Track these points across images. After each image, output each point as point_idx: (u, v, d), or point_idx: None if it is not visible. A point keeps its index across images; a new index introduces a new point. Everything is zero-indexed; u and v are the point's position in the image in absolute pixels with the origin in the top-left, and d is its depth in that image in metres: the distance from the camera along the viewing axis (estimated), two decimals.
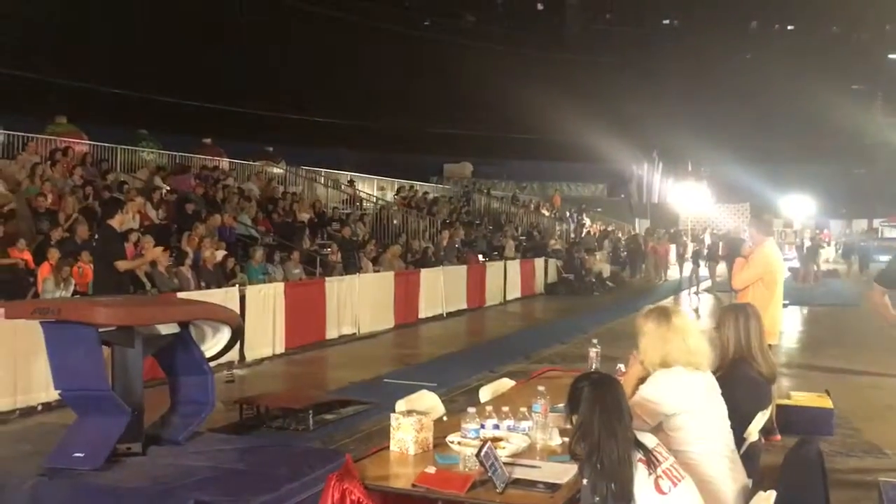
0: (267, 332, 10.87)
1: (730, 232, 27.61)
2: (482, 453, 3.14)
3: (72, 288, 9.77)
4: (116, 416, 5.57)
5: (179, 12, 24.15)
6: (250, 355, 10.44)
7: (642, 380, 3.63)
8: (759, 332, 4.19)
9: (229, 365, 9.76)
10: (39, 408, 7.77)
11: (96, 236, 9.98)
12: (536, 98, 29.21)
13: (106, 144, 17.83)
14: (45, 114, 19.09)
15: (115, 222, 8.12)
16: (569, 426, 3.74)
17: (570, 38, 35.84)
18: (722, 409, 3.54)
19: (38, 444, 6.07)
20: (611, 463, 2.79)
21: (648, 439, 2.98)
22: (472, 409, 3.77)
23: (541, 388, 3.96)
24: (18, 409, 7.63)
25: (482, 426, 3.75)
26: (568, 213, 31.48)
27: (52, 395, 7.30)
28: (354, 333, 12.76)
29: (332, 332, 12.27)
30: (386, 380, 9.46)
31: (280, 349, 11.05)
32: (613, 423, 2.84)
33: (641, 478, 2.85)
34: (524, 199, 32.07)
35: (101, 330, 5.57)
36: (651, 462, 2.88)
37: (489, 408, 4.05)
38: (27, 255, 10.33)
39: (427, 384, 6.39)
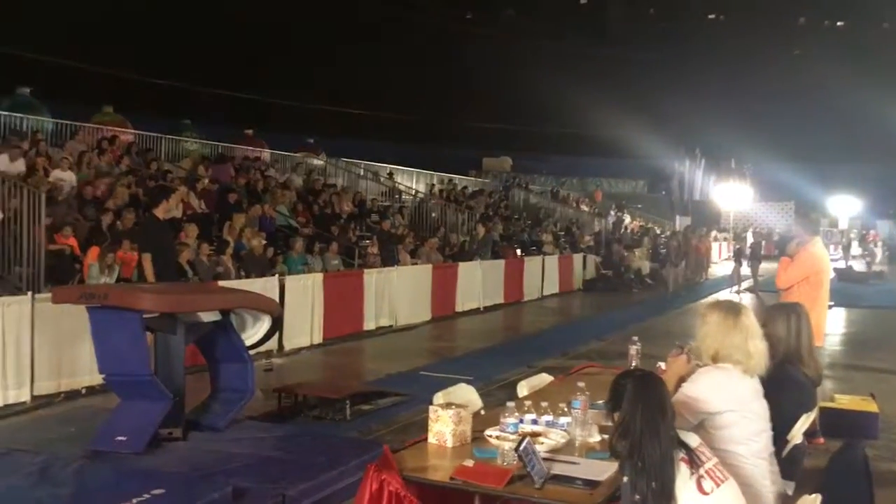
0: (305, 322, 10.96)
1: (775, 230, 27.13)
2: (521, 448, 3.12)
3: (116, 274, 9.93)
4: (158, 401, 5.66)
5: (223, 6, 24.43)
6: (289, 345, 10.54)
7: (683, 378, 3.57)
8: (808, 333, 4.11)
9: (268, 354, 9.86)
10: (83, 391, 7.91)
11: (139, 224, 10.18)
12: (577, 93, 29.03)
13: (150, 134, 18.12)
14: (92, 103, 19.45)
15: (160, 211, 8.25)
16: (609, 423, 3.72)
17: (613, 33, 35.52)
18: (765, 410, 3.47)
19: (83, 426, 6.21)
20: (652, 461, 2.75)
21: (691, 438, 2.94)
22: (511, 404, 3.76)
23: (580, 384, 3.93)
24: (63, 392, 7.79)
25: (520, 421, 3.73)
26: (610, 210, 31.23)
27: (96, 378, 7.43)
28: (391, 325, 12.80)
29: (369, 324, 12.33)
30: (422, 372, 9.47)
31: (318, 339, 11.13)
32: (656, 421, 2.80)
33: (683, 477, 2.81)
34: (563, 195, 31.88)
35: (145, 316, 5.67)
36: (693, 462, 2.84)
37: (528, 403, 4.03)
38: (73, 241, 10.52)
39: (463, 377, 6.37)
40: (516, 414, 3.70)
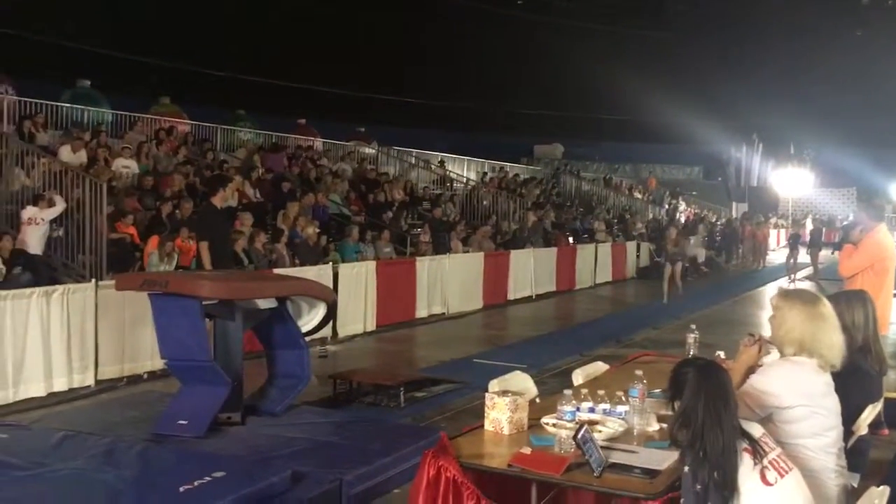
0: (359, 310, 11.05)
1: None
2: (579, 436, 3.10)
3: (175, 262, 10.14)
4: (218, 386, 5.78)
5: None
6: (343, 332, 10.64)
7: (752, 368, 3.49)
8: (875, 322, 3.98)
9: (322, 340, 9.97)
10: (145, 376, 8.12)
11: (197, 213, 10.37)
12: (631, 78, 28.56)
13: (206, 124, 18.43)
14: (150, 94, 19.85)
15: (217, 200, 8.38)
16: (667, 412, 3.67)
17: (667, 15, 34.83)
18: (836, 406, 3.36)
19: (145, 410, 6.37)
20: (714, 451, 2.71)
21: (755, 429, 2.88)
22: (568, 392, 3.73)
23: (638, 372, 3.88)
24: (126, 377, 8.01)
25: (577, 409, 3.70)
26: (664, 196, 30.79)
27: (158, 363, 7.64)
28: (443, 313, 12.84)
29: (421, 312, 12.38)
30: (475, 360, 9.49)
31: (371, 326, 11.23)
32: (719, 411, 2.75)
33: (746, 468, 2.76)
34: (616, 182, 31.50)
35: (204, 303, 5.77)
36: (757, 452, 2.78)
37: (584, 391, 4.00)
38: (133, 230, 10.78)
39: (516, 365, 6.35)
40: (573, 402, 3.68)
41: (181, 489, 4.28)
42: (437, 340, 11.03)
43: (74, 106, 16.17)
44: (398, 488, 5.12)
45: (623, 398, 3.84)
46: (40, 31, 20.06)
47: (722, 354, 4.55)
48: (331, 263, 11.16)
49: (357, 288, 11.04)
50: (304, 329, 6.85)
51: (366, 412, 7.02)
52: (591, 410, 3.80)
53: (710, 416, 2.75)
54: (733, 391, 2.92)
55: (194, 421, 5.66)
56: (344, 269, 11.06)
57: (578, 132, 35.62)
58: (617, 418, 3.71)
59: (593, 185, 28.85)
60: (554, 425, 3.55)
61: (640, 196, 30.05)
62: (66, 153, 12.21)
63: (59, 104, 15.74)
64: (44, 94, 15.51)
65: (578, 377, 4.80)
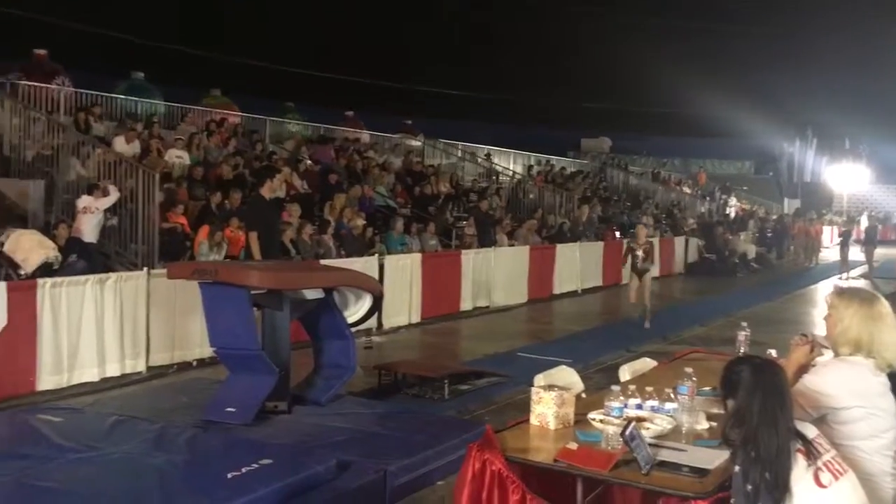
0: (404, 302, 11.10)
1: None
2: (627, 432, 3.06)
3: (224, 252, 10.29)
4: (265, 375, 5.85)
5: None
6: (388, 323, 10.70)
7: (804, 368, 3.40)
8: None
9: (368, 332, 10.03)
10: (194, 363, 8.27)
11: (246, 203, 10.50)
12: (679, 70, 28.10)
13: (256, 116, 18.64)
14: (201, 86, 20.15)
15: (265, 190, 8.48)
16: (717, 410, 3.61)
17: (718, 6, 34.14)
18: (893, 406, 3.26)
19: (194, 396, 6.49)
20: (767, 451, 2.64)
21: (809, 429, 2.81)
22: (615, 388, 3.69)
23: (688, 369, 3.82)
24: (176, 364, 8.15)
25: (624, 405, 3.66)
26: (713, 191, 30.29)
27: (206, 351, 7.77)
28: (488, 306, 12.81)
29: (466, 304, 12.38)
30: (519, 353, 9.46)
31: (416, 319, 11.27)
32: (774, 411, 2.68)
33: (800, 469, 2.69)
34: (665, 176, 31.09)
35: (252, 292, 5.85)
36: (811, 453, 2.71)
37: (632, 387, 3.95)
38: (184, 220, 10.96)
39: (561, 360, 6.33)
40: (621, 398, 3.64)
41: (229, 475, 4.35)
42: (482, 333, 11.02)
43: (129, 98, 16.50)
44: (441, 480, 5.14)
45: (672, 395, 3.78)
46: (96, 23, 20.48)
47: (773, 353, 4.45)
48: (376, 255, 11.22)
49: (402, 280, 11.09)
50: (351, 320, 6.90)
51: (410, 404, 7.03)
52: (639, 407, 3.74)
53: (765, 416, 2.68)
54: (789, 391, 2.84)
55: (242, 409, 5.75)
56: (390, 260, 11.11)
57: (626, 125, 35.18)
58: (665, 416, 3.66)
59: (641, 180, 28.53)
60: (601, 421, 3.51)
61: (688, 191, 29.62)
62: (120, 144, 12.47)
63: (114, 96, 16.08)
64: (99, 85, 15.85)
65: (625, 373, 4.75)
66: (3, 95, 12.63)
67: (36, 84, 13.94)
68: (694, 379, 3.75)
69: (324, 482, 4.52)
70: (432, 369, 7.86)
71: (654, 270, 11.78)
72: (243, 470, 4.41)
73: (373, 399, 6.99)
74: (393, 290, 10.74)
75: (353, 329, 7.00)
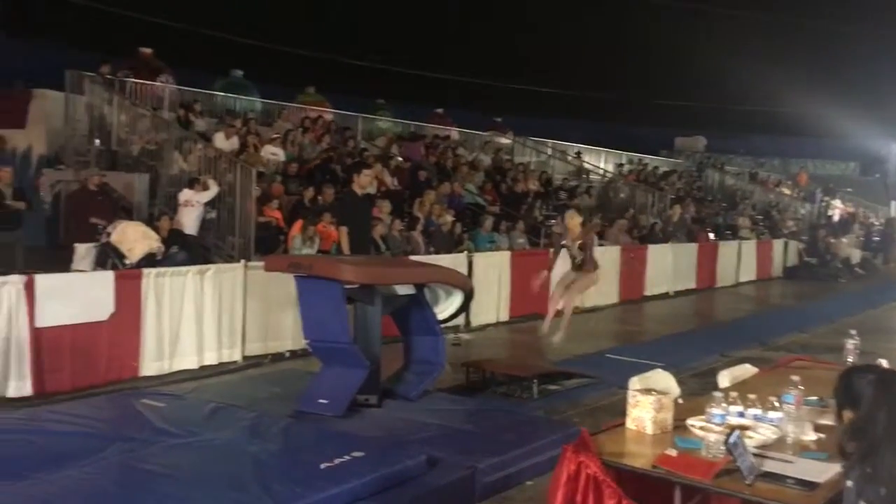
0: (492, 300, 11.06)
1: None
2: (731, 441, 2.95)
3: (316, 246, 10.48)
4: (357, 368, 5.92)
5: None
6: (476, 321, 10.68)
7: None
8: None
9: (456, 329, 10.03)
10: (287, 354, 8.44)
11: (338, 199, 10.66)
12: (780, 68, 27.11)
13: (348, 113, 18.92)
14: (296, 84, 20.59)
15: (357, 186, 8.58)
16: (824, 421, 3.45)
17: (821, 2, 32.76)
18: None
19: (287, 387, 6.63)
20: (886, 468, 2.49)
21: None
22: (718, 394, 3.57)
23: (794, 377, 3.66)
24: (270, 355, 8.35)
25: (726, 413, 3.53)
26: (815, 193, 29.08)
27: (299, 343, 7.92)
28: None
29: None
30: (608, 355, 9.30)
31: (504, 317, 11.21)
32: None
33: None
34: (763, 176, 30.02)
35: (346, 287, 5.93)
36: None
37: (733, 394, 3.82)
38: (278, 214, 11.22)
39: (652, 363, 6.15)
40: (723, 405, 3.51)
41: (322, 466, 4.42)
42: (571, 334, 10.73)
43: (227, 95, 16.99)
44: (530, 480, 5.09)
45: (776, 404, 3.63)
46: (198, 23, 21.21)
47: (885, 363, 4.23)
48: (465, 252, 11.22)
49: (491, 278, 11.05)
50: (441, 316, 6.92)
51: (498, 402, 6.99)
52: (741, 415, 3.62)
53: (890, 431, 2.52)
54: None
55: (334, 401, 5.84)
56: (479, 258, 11.09)
57: (723, 124, 34.15)
58: (769, 425, 3.52)
59: (738, 180, 27.65)
60: (702, 428, 3.40)
61: (788, 192, 28.54)
62: (219, 140, 12.86)
63: (213, 93, 16.58)
64: (200, 83, 16.38)
65: (725, 379, 4.59)
66: (113, 92, 13.19)
67: (142, 81, 14.50)
68: (801, 387, 3.60)
69: (414, 477, 4.54)
70: (521, 368, 7.79)
71: (595, 276, 8.92)
72: (336, 461, 4.47)
73: (461, 396, 6.97)
74: (481, 287, 10.66)
75: (442, 326, 7.01)
